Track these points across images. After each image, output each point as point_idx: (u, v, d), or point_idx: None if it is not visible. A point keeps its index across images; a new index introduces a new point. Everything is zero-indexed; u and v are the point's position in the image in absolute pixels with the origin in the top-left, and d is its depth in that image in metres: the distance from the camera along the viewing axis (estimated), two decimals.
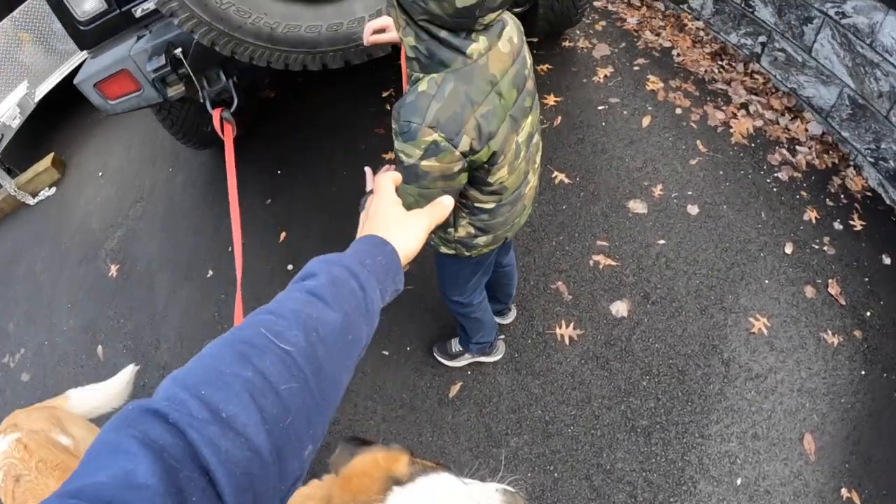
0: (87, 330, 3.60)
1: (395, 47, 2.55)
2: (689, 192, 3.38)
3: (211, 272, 3.52)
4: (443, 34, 1.32)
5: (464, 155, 1.45)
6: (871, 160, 3.41)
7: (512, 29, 1.51)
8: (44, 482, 1.88)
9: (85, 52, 2.86)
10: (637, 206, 3.33)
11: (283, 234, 3.59)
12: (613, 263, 3.12)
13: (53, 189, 4.62)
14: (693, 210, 3.30)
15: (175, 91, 2.76)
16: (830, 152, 3.58)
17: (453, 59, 1.37)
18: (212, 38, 2.31)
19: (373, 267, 0.88)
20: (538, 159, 1.89)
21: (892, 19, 3.02)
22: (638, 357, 2.82)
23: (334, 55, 2.48)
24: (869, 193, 3.42)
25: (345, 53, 2.48)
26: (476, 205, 1.74)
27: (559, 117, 3.89)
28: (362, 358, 0.83)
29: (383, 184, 1.12)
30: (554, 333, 2.94)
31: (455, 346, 2.91)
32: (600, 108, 3.91)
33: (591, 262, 3.14)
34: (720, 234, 3.20)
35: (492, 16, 1.32)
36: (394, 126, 1.44)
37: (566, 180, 3.52)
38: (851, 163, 3.54)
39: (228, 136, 2.67)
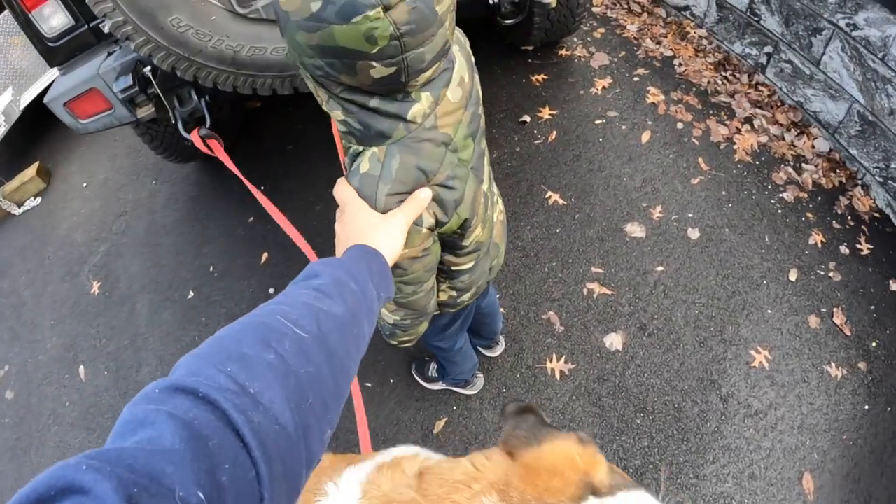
0: (69, 349, 3.48)
1: None
2: (690, 215, 3.21)
3: (192, 293, 3.38)
4: (373, 103, 1.07)
5: (430, 229, 1.24)
6: (880, 179, 3.24)
7: (462, 66, 1.22)
8: None
9: (56, 68, 2.71)
10: (635, 230, 3.15)
11: (265, 256, 3.44)
12: (608, 292, 2.95)
13: (38, 199, 4.48)
14: (694, 234, 3.13)
15: (145, 112, 2.60)
16: (837, 171, 3.40)
17: (394, 128, 1.11)
18: (171, 63, 2.15)
19: (368, 272, 0.91)
20: (495, 189, 1.65)
21: None
22: (632, 393, 2.66)
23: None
24: (877, 215, 3.25)
25: None
26: (454, 268, 1.53)
27: (554, 132, 3.70)
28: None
29: (346, 194, 1.10)
30: (544, 367, 2.78)
31: (432, 370, 2.78)
32: (598, 122, 3.72)
33: (585, 291, 2.97)
34: (721, 259, 3.03)
35: (426, 75, 1.06)
36: None
37: (560, 201, 3.35)
38: (859, 182, 3.36)
39: (220, 151, 2.52)
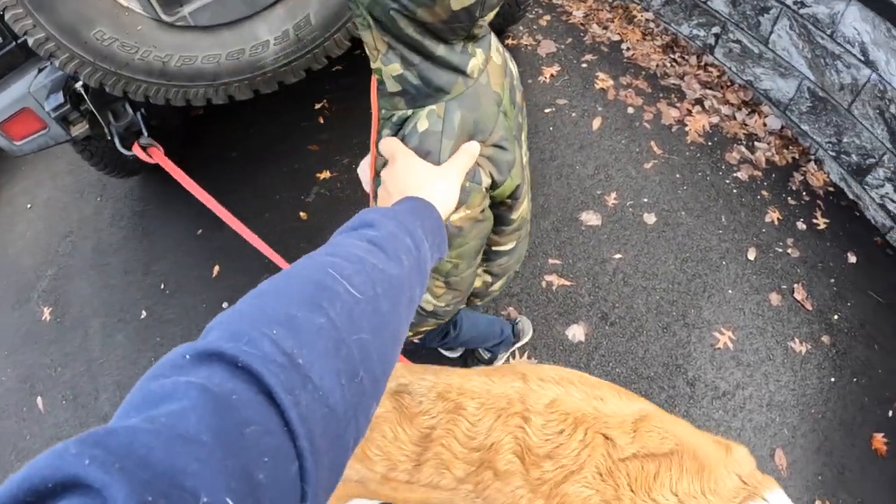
0: (25, 380, 3.35)
1: (310, 72, 2.33)
2: (645, 200, 3.19)
3: (145, 313, 3.28)
4: (440, 51, 1.04)
5: (487, 190, 1.22)
6: (833, 154, 3.26)
7: (494, 40, 1.24)
8: None
9: None
10: (590, 218, 3.13)
11: (216, 269, 3.34)
12: (567, 283, 2.92)
13: None
14: (650, 219, 3.11)
15: (79, 129, 2.51)
16: (790, 147, 3.42)
17: (454, 83, 1.09)
18: (98, 78, 2.09)
19: (423, 229, 0.82)
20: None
21: (854, 9, 2.87)
22: None
23: (240, 86, 2.24)
24: (831, 189, 3.28)
25: (252, 83, 2.24)
26: (495, 249, 1.47)
27: None
28: None
29: (393, 146, 1.04)
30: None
31: (483, 352, 2.70)
32: (547, 110, 3.69)
33: (544, 284, 2.93)
34: (679, 243, 3.03)
35: (489, 17, 1.05)
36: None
37: None
38: (812, 157, 3.38)
39: (163, 160, 2.47)
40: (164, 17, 2.07)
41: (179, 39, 2.12)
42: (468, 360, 2.77)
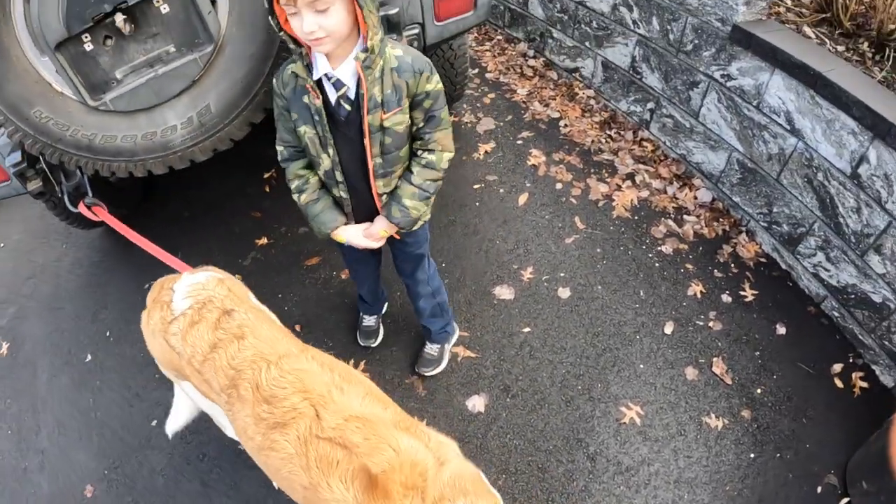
0: None
1: (226, 151, 2.78)
2: (562, 274, 3.43)
3: (90, 357, 3.61)
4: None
5: None
6: (764, 224, 3.46)
7: None
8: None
9: None
10: (503, 293, 3.37)
11: None
12: (473, 355, 3.14)
13: None
14: (564, 293, 3.34)
15: (34, 185, 3.01)
16: (721, 219, 3.63)
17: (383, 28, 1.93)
18: (38, 148, 2.57)
19: None
20: None
21: (777, 79, 3.11)
22: (494, 455, 2.80)
23: (155, 162, 2.69)
24: (763, 259, 3.46)
25: (165, 160, 2.69)
26: None
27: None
28: None
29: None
30: None
31: (433, 349, 3.11)
32: (476, 186, 4.00)
33: (450, 355, 3.17)
34: (592, 317, 3.23)
35: None
36: (428, 79, 1.93)
37: None
38: (744, 228, 3.58)
39: (107, 217, 2.94)
40: (89, 102, 2.53)
41: (102, 121, 2.58)
42: (420, 367, 3.11)
